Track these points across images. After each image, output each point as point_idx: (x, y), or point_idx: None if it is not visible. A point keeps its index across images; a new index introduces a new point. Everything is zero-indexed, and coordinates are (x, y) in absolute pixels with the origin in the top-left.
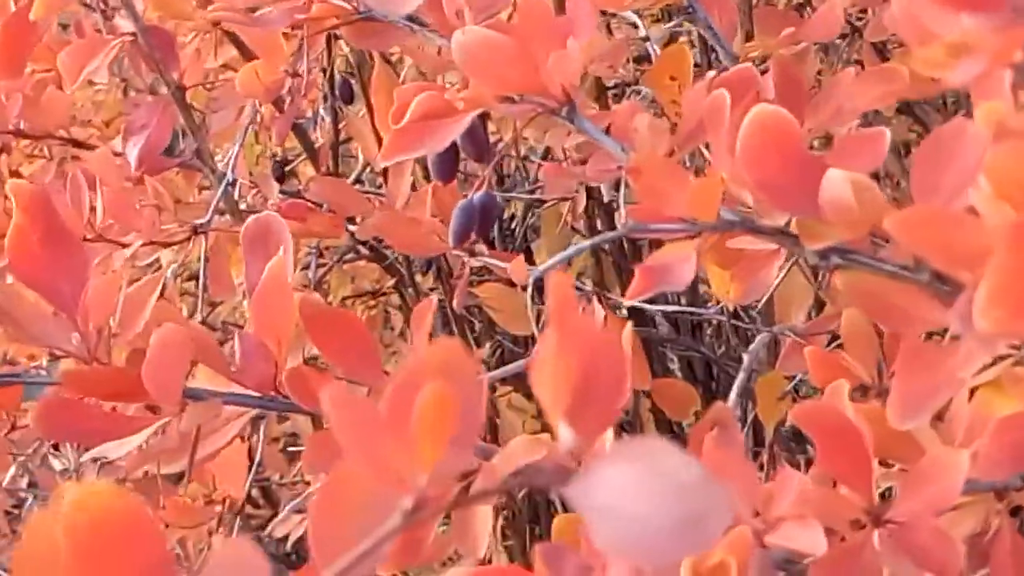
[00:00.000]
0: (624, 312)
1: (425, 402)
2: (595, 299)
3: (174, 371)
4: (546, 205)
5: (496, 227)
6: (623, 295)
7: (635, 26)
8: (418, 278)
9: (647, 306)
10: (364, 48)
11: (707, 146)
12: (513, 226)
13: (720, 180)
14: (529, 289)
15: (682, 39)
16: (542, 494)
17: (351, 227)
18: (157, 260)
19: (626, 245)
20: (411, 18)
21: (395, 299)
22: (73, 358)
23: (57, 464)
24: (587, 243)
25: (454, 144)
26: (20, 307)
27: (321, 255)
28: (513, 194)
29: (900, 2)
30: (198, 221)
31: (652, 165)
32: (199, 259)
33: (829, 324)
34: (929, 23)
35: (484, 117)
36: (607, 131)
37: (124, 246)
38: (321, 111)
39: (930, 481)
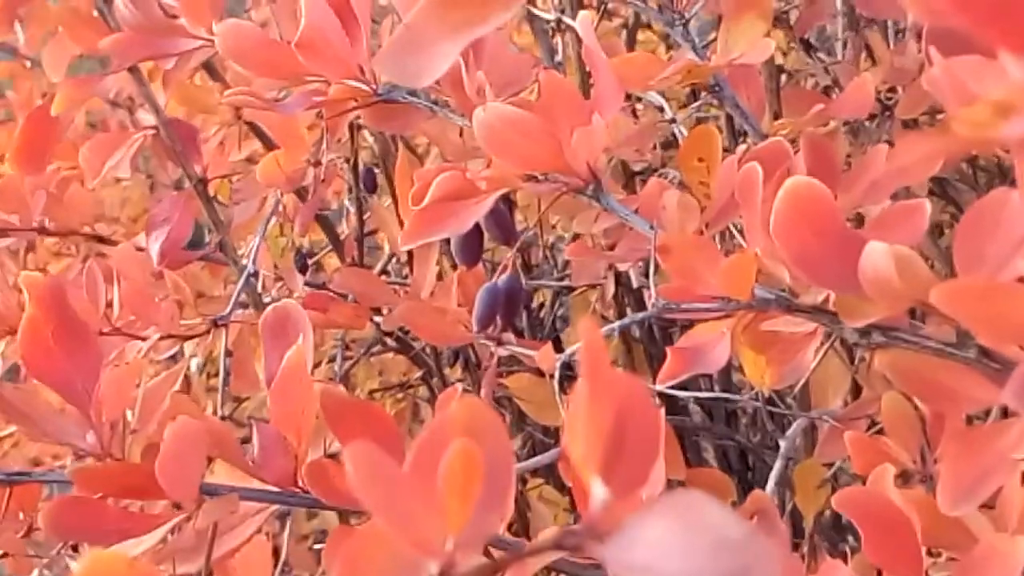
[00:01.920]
0: (656, 400)
1: (452, 460)
2: None
3: (190, 465)
4: (575, 293)
5: (525, 316)
6: (654, 383)
7: (661, 109)
8: (446, 370)
9: (680, 393)
10: (384, 130)
11: (738, 229)
12: (542, 315)
13: (754, 257)
14: (557, 376)
15: (709, 123)
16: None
17: (377, 318)
18: (180, 355)
19: (656, 332)
20: (431, 99)
21: (424, 391)
22: (87, 455)
23: (75, 566)
24: (616, 324)
25: (478, 227)
26: (33, 404)
27: (348, 348)
28: (541, 282)
29: (940, 62)
30: (218, 315)
31: (682, 243)
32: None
33: (868, 409)
34: (972, 83)
35: (510, 204)
36: (636, 211)
37: (142, 339)
38: (346, 202)
39: (985, 570)
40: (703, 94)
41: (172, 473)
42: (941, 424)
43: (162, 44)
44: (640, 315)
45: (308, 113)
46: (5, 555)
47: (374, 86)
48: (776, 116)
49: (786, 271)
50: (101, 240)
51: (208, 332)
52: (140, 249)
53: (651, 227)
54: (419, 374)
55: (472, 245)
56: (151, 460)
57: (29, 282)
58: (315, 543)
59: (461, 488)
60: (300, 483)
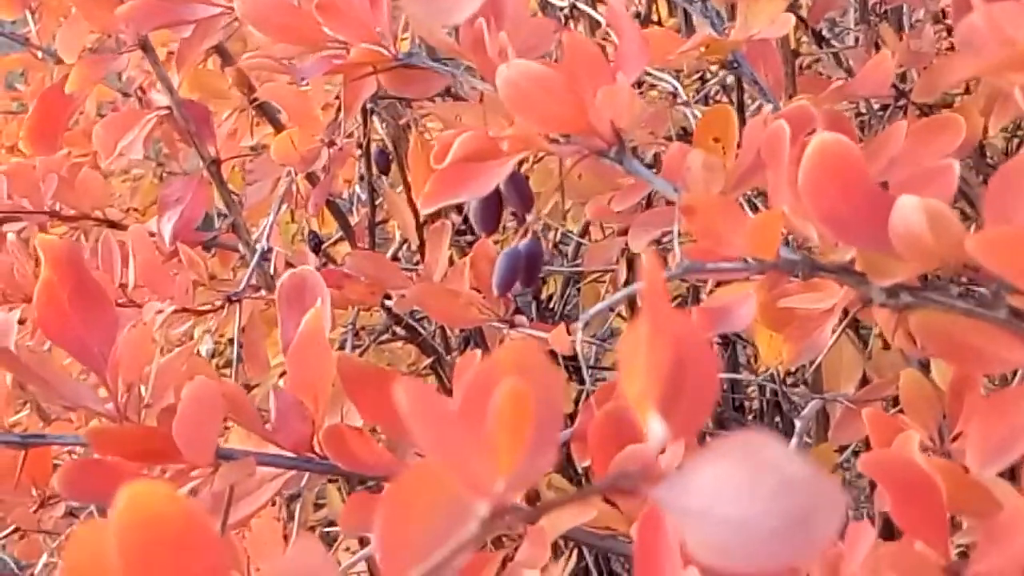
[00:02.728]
0: None
1: (503, 400)
2: None
3: (207, 428)
4: (585, 280)
5: (534, 306)
6: None
7: (674, 95)
8: (456, 356)
9: None
10: (404, 95)
11: (752, 197)
12: (552, 305)
13: (779, 216)
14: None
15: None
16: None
17: (388, 303)
18: (189, 336)
19: None
20: (452, 62)
21: (432, 380)
22: (103, 418)
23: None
24: (623, 292)
25: (497, 193)
26: (48, 367)
27: (357, 335)
28: (553, 268)
29: (980, 7)
30: (232, 291)
31: (707, 203)
32: (234, 335)
33: (883, 391)
34: (1009, 28)
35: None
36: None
37: (157, 312)
38: (357, 190)
39: (1012, 536)
40: (713, 77)
41: (189, 435)
42: (960, 401)
43: (180, 10)
44: (668, 274)
45: (322, 93)
46: (17, 530)
47: (394, 50)
48: (791, 98)
49: (814, 230)
50: (112, 225)
51: (222, 308)
52: (152, 234)
53: (675, 189)
54: (428, 362)
55: (491, 211)
56: (167, 423)
57: (45, 245)
58: (322, 531)
59: (512, 429)
60: (316, 448)
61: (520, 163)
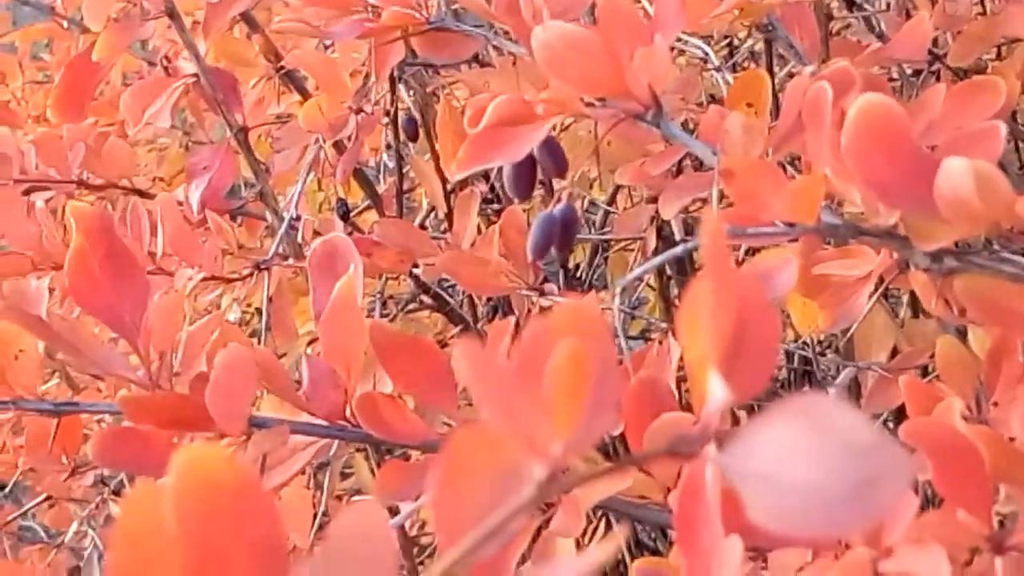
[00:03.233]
0: None
1: (561, 361)
2: (670, 335)
3: (240, 395)
4: (614, 248)
5: (562, 275)
6: None
7: (704, 61)
8: (483, 325)
9: None
10: (437, 59)
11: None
12: (579, 274)
13: (821, 179)
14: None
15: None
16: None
17: (416, 271)
18: (216, 306)
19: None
20: (485, 25)
21: None
22: (134, 386)
23: (117, 510)
24: (671, 253)
25: (531, 158)
26: (80, 334)
27: (384, 305)
28: (581, 236)
29: None
30: (261, 259)
31: (746, 167)
32: (261, 305)
33: (917, 359)
34: None
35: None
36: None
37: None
38: (384, 158)
39: None
40: (741, 43)
41: (222, 403)
42: (998, 369)
43: None
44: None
45: (350, 59)
46: (48, 498)
47: (426, 13)
48: (824, 63)
49: (857, 193)
50: (140, 194)
51: (252, 276)
52: (179, 203)
53: (713, 152)
54: (455, 331)
55: (525, 177)
56: (200, 391)
57: (76, 212)
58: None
59: (569, 390)
60: (350, 417)
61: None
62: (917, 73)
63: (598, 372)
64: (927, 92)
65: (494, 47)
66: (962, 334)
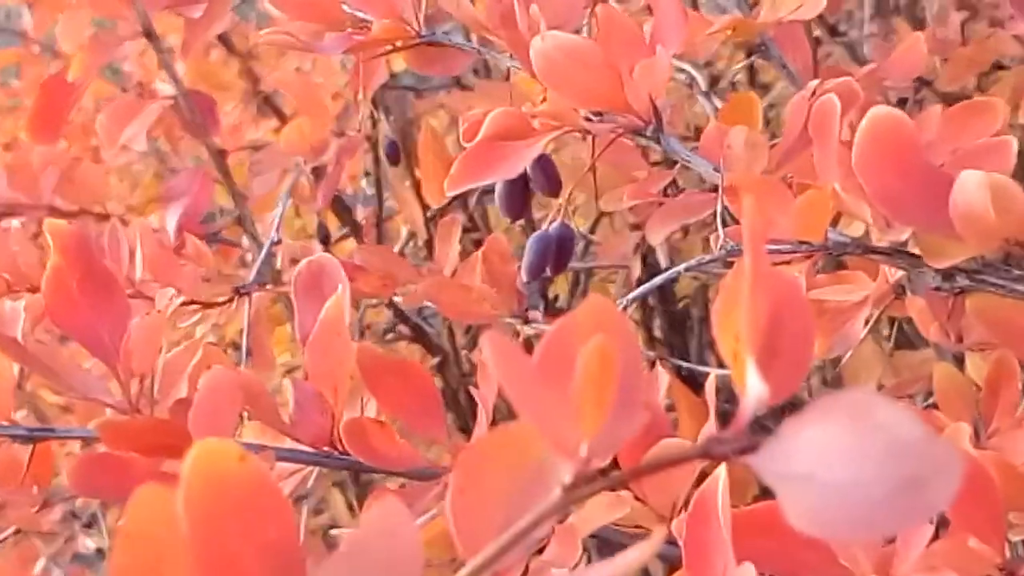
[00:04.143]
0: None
1: (588, 358)
2: (658, 363)
3: (224, 419)
4: (596, 278)
5: (542, 306)
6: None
7: (690, 85)
8: (464, 354)
9: (703, 368)
10: (427, 72)
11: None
12: (559, 304)
13: (829, 196)
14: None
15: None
16: None
17: (396, 299)
18: (190, 336)
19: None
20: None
21: (438, 381)
22: (113, 410)
23: (90, 543)
24: (656, 281)
25: (524, 177)
26: (56, 357)
27: (362, 335)
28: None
29: None
30: (241, 284)
31: (751, 183)
32: (237, 337)
33: (907, 389)
34: None
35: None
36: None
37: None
38: (364, 185)
39: None
40: (736, 65)
41: (206, 427)
42: (997, 396)
43: None
44: (709, 258)
45: (332, 82)
46: (18, 531)
47: (417, 27)
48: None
49: (867, 209)
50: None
51: (231, 301)
52: (154, 231)
53: (715, 169)
54: (435, 362)
55: (518, 195)
56: (181, 415)
57: (54, 230)
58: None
59: (596, 389)
60: (336, 443)
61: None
62: (903, 101)
63: (625, 372)
64: (924, 114)
65: (474, 72)
66: (958, 361)
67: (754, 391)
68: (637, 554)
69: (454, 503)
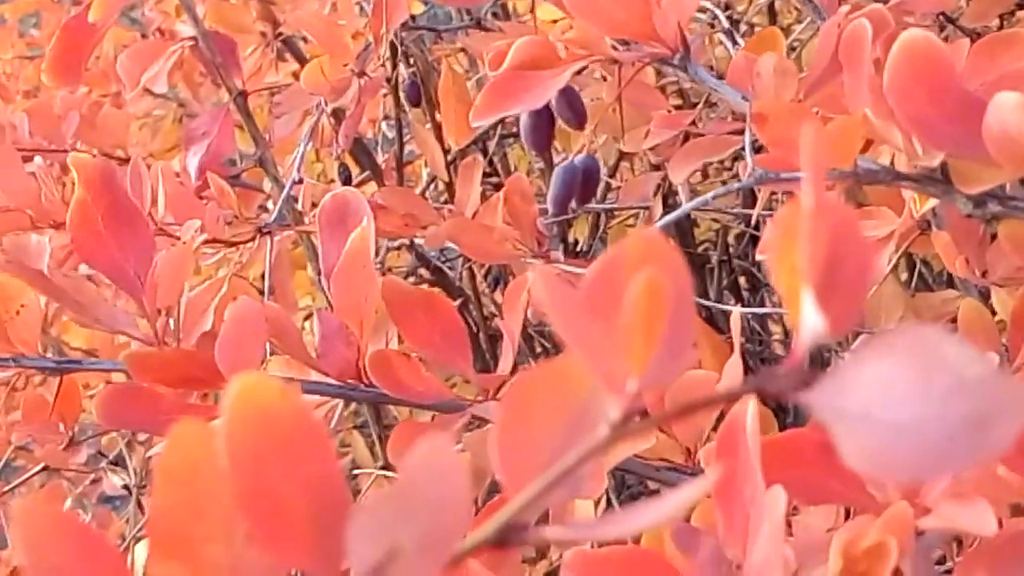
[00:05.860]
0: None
1: (639, 292)
2: None
3: (251, 350)
4: (615, 221)
5: (562, 249)
6: None
7: (711, 25)
8: (485, 297)
9: (717, 305)
10: (448, 4)
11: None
12: (578, 249)
13: (859, 122)
14: None
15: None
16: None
17: (417, 241)
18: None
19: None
20: None
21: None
22: (140, 343)
23: (117, 480)
24: (674, 214)
25: (548, 111)
26: (83, 290)
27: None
28: (587, 205)
29: None
30: (263, 223)
31: (779, 110)
32: (260, 276)
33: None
34: None
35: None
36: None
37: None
38: (384, 128)
39: None
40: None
41: (233, 358)
42: (1022, 331)
43: None
44: (736, 185)
45: (352, 24)
46: (46, 468)
47: None
48: None
49: (898, 134)
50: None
51: (254, 239)
52: (176, 174)
53: (744, 97)
54: (455, 304)
55: (543, 127)
56: (208, 347)
57: (78, 163)
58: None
59: (646, 324)
60: (362, 376)
61: None
62: None
63: (675, 306)
64: (952, 46)
65: (494, 15)
66: (984, 298)
67: (811, 325)
68: (690, 493)
69: (500, 439)
